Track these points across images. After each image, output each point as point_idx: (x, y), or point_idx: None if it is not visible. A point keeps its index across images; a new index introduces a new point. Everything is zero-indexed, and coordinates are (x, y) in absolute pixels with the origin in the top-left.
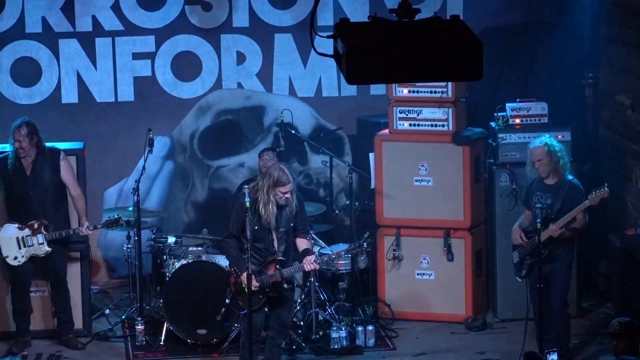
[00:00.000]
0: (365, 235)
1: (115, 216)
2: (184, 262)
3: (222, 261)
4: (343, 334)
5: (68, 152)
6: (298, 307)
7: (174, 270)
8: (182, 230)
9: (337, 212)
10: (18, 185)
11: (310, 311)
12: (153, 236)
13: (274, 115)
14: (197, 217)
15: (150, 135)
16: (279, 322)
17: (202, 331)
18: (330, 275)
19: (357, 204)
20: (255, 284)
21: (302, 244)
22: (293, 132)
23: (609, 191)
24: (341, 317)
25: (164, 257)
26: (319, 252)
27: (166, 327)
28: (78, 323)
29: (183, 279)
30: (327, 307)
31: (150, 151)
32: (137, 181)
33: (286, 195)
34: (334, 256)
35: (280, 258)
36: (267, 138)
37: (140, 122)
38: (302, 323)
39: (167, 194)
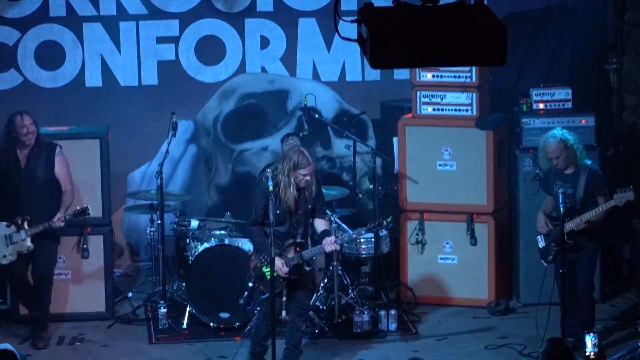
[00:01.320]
0: (389, 219)
1: (82, 207)
2: (207, 245)
3: (245, 245)
4: (366, 318)
5: (92, 135)
6: (321, 291)
7: (197, 253)
8: (205, 214)
9: (360, 196)
10: (10, 177)
11: (333, 295)
12: (176, 219)
13: (297, 100)
14: (220, 201)
15: (174, 119)
16: (298, 305)
17: (225, 315)
18: (353, 259)
19: (380, 188)
20: (285, 269)
21: (320, 225)
22: (317, 116)
23: (634, 194)
24: (364, 301)
25: (187, 240)
26: (337, 231)
27: (189, 310)
28: (101, 306)
29: (206, 263)
30: (350, 291)
31: (174, 135)
32: (161, 165)
33: (306, 178)
34: (354, 236)
35: (300, 240)
36: (290, 122)
37: (163, 106)
38: (324, 307)
39: (191, 178)
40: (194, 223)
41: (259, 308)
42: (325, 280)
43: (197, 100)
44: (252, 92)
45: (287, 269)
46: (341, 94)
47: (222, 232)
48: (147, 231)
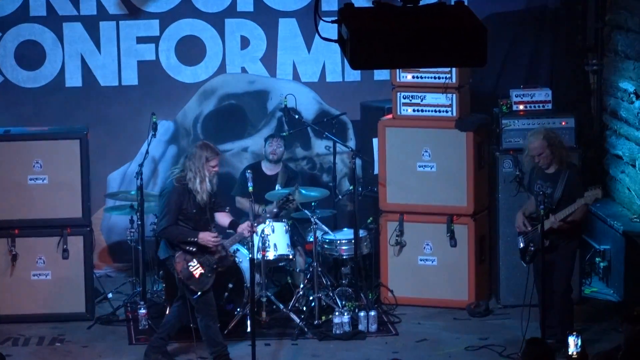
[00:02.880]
0: (369, 221)
1: None
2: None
3: (226, 245)
4: (346, 319)
5: (71, 135)
6: (301, 292)
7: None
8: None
9: (340, 197)
10: None
11: (313, 296)
12: (156, 220)
13: (277, 100)
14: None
15: (154, 120)
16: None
17: None
18: (333, 260)
19: (360, 189)
20: (218, 238)
21: (225, 217)
22: (297, 117)
23: (601, 192)
24: (344, 302)
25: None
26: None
27: (168, 311)
28: (81, 307)
29: None
30: (330, 292)
31: (154, 135)
32: (141, 165)
33: (216, 169)
34: (267, 215)
35: (217, 233)
36: (270, 123)
37: (144, 106)
38: (304, 308)
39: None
40: None
41: (239, 309)
42: (305, 282)
43: (177, 100)
44: (232, 93)
45: (216, 235)
46: (321, 94)
47: None
48: (127, 232)
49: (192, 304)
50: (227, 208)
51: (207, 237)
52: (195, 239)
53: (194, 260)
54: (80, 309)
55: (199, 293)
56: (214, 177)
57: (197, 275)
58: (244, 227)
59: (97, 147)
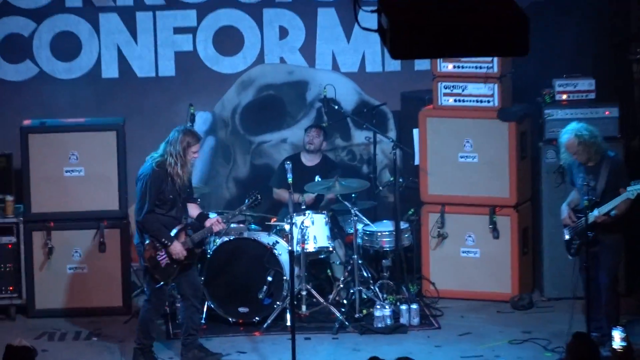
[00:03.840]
0: (410, 213)
1: None
2: (225, 239)
3: (264, 238)
4: (387, 312)
5: (108, 127)
6: (341, 285)
7: (215, 247)
8: (223, 207)
9: (380, 188)
10: None
11: (353, 289)
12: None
13: (316, 91)
14: (239, 193)
15: (192, 111)
16: (193, 286)
17: (244, 309)
18: (373, 252)
19: (401, 180)
20: (184, 253)
21: (194, 209)
22: (336, 107)
23: None
24: (385, 295)
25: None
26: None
27: (207, 305)
28: (118, 300)
29: (224, 256)
30: (371, 285)
31: (192, 127)
32: None
33: (196, 155)
34: (236, 212)
35: (188, 223)
36: (309, 114)
37: (181, 98)
38: (345, 301)
39: (209, 170)
40: (212, 216)
41: (278, 303)
42: (346, 274)
43: (215, 91)
44: (270, 83)
45: (185, 252)
46: (361, 85)
47: (241, 225)
48: None
49: (147, 292)
50: (198, 200)
51: (177, 250)
52: (168, 243)
53: (163, 250)
54: (117, 303)
55: (162, 283)
56: (192, 165)
57: (163, 265)
58: (212, 222)
59: (134, 138)
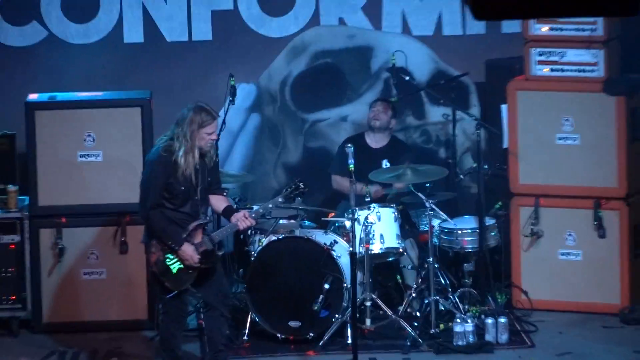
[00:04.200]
0: (496, 205)
1: None
2: (272, 238)
3: (320, 237)
4: (469, 327)
5: (131, 102)
6: (414, 295)
7: (260, 248)
8: (270, 199)
9: (461, 177)
10: None
11: (428, 299)
12: (235, 206)
13: (383, 58)
14: (289, 183)
15: (232, 82)
16: (220, 292)
17: (295, 323)
18: (453, 255)
19: (486, 167)
20: (197, 257)
21: (220, 201)
22: (407, 78)
23: None
24: (467, 306)
25: (249, 232)
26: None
27: (251, 318)
28: (142, 313)
29: (272, 259)
30: (450, 294)
31: (232, 102)
32: (216, 138)
33: (212, 137)
34: (270, 206)
35: (205, 220)
36: (375, 86)
37: (219, 66)
38: (418, 314)
39: (252, 155)
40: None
41: (337, 315)
42: (419, 281)
43: (260, 59)
44: (327, 49)
45: (198, 256)
46: (437, 51)
47: (292, 221)
48: None
49: (160, 304)
50: (226, 191)
51: (187, 254)
52: (176, 248)
53: (173, 253)
54: (142, 316)
55: (174, 293)
56: (211, 148)
57: (174, 271)
58: (238, 217)
59: (162, 116)
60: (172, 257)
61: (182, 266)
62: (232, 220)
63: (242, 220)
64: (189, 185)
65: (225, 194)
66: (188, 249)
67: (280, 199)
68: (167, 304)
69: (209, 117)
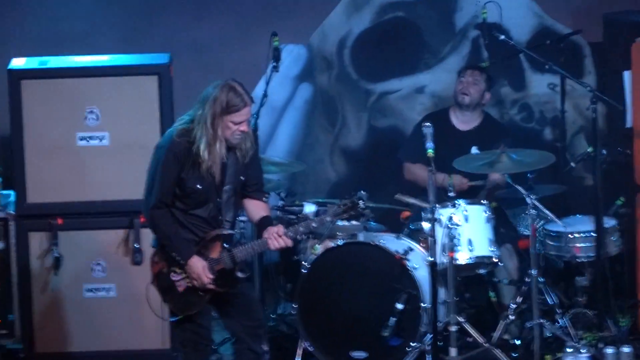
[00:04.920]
0: (618, 202)
1: None
2: (330, 244)
3: (391, 243)
4: (583, 358)
5: (146, 69)
6: (512, 317)
7: (314, 257)
8: (326, 194)
9: (572, 165)
10: None
11: (530, 323)
12: (281, 203)
13: (471, 12)
14: (350, 173)
15: (275, 44)
16: (249, 320)
17: (359, 354)
18: (562, 265)
19: (604, 152)
20: (208, 276)
21: (257, 208)
22: (502, 37)
23: None
24: (580, 332)
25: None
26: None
27: (302, 347)
28: (163, 340)
29: (328, 272)
30: (558, 316)
31: (276, 68)
32: (255, 115)
33: (241, 128)
34: (314, 225)
35: (229, 232)
36: (459, 47)
37: (258, 23)
38: (517, 341)
39: (302, 137)
40: (309, 208)
41: (414, 344)
42: (519, 300)
43: (311, 13)
44: (398, 0)
45: (211, 276)
46: (541, 2)
47: (354, 222)
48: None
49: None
50: (266, 196)
51: (196, 270)
52: (182, 261)
53: (182, 266)
54: (161, 344)
55: (178, 317)
56: (240, 141)
57: (180, 289)
58: (272, 233)
59: (185, 85)
60: (179, 271)
61: (191, 285)
62: (264, 235)
63: (273, 238)
64: (210, 183)
65: (265, 199)
66: (197, 264)
67: (328, 218)
68: (180, 330)
69: (238, 101)
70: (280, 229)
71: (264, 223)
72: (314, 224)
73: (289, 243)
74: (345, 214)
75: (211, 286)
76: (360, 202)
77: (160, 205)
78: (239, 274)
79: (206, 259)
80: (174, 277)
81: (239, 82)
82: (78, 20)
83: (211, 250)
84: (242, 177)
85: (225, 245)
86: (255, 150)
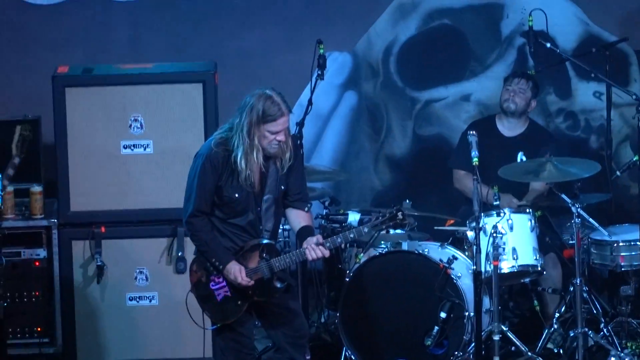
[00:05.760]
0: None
1: None
2: (373, 252)
3: (435, 251)
4: None
5: (191, 76)
6: (556, 326)
7: (357, 265)
8: (370, 203)
9: (618, 174)
10: None
11: (575, 332)
12: (325, 212)
13: (517, 20)
14: (395, 182)
15: (321, 51)
16: (291, 330)
17: None
18: (607, 274)
19: None
20: (245, 279)
21: (298, 218)
22: (548, 45)
23: None
24: (624, 341)
25: (343, 245)
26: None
27: (345, 354)
28: (206, 349)
29: (372, 281)
30: (603, 325)
31: (321, 76)
32: (300, 123)
33: (278, 138)
34: (352, 235)
35: (269, 242)
36: (505, 55)
37: (303, 30)
38: (561, 351)
39: (347, 145)
40: (353, 217)
41: (457, 354)
42: (562, 309)
43: (356, 20)
44: (445, 7)
45: (248, 280)
46: (587, 9)
47: (399, 231)
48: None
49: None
50: (309, 206)
51: (235, 272)
52: (220, 266)
53: (221, 275)
54: (205, 353)
55: (216, 325)
56: (281, 150)
57: (219, 299)
58: (310, 243)
59: (229, 93)
60: (218, 280)
61: (229, 294)
62: (303, 245)
63: (311, 248)
64: (248, 193)
65: (307, 209)
66: (234, 267)
67: (365, 229)
68: (221, 339)
69: (275, 110)
70: (318, 238)
71: (304, 233)
72: (351, 235)
73: (326, 254)
74: (384, 225)
75: (249, 290)
76: (399, 214)
77: (198, 213)
78: (277, 284)
79: (244, 266)
80: (213, 286)
81: (278, 91)
82: (123, 28)
83: (249, 260)
84: (282, 187)
85: (263, 255)
86: (299, 159)
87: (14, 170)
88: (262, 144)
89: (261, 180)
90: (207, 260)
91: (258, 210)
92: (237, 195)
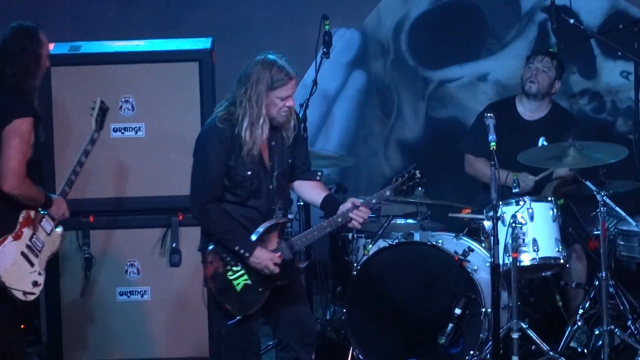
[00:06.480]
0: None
1: None
2: (382, 244)
3: (449, 243)
4: None
5: (187, 55)
6: (580, 323)
7: (365, 258)
8: (380, 189)
9: None
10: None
11: (600, 329)
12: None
13: None
14: (406, 168)
15: (326, 27)
16: (297, 325)
17: None
18: (635, 268)
19: None
20: (277, 262)
21: (314, 188)
22: (572, 21)
23: None
24: None
25: (349, 235)
26: None
27: (352, 354)
28: (202, 349)
29: (381, 274)
30: (630, 322)
31: (326, 54)
32: (304, 104)
33: (287, 103)
34: (374, 201)
35: (285, 219)
36: (525, 32)
37: (307, 5)
38: (585, 350)
39: (355, 128)
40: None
41: (474, 353)
42: (587, 304)
43: None
44: None
45: (279, 261)
46: None
47: (410, 221)
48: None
49: (222, 333)
50: (319, 174)
51: (262, 262)
52: (246, 254)
53: (239, 264)
54: (201, 352)
55: (237, 318)
56: (288, 119)
57: (239, 289)
58: (347, 207)
59: (228, 73)
60: (236, 269)
61: (249, 282)
62: (341, 209)
63: (355, 213)
64: (259, 169)
65: (318, 177)
66: (263, 254)
67: (387, 193)
68: (229, 333)
69: (283, 75)
70: (354, 202)
71: (332, 202)
72: (373, 200)
73: (367, 215)
74: (404, 186)
75: (274, 279)
76: (417, 172)
77: (213, 198)
78: (300, 265)
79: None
80: (231, 276)
81: (279, 54)
82: (112, 3)
83: (268, 242)
84: (289, 160)
85: (282, 233)
86: (299, 128)
87: (92, 146)
88: (271, 112)
89: (270, 155)
90: (227, 249)
91: (271, 189)
92: (249, 172)
